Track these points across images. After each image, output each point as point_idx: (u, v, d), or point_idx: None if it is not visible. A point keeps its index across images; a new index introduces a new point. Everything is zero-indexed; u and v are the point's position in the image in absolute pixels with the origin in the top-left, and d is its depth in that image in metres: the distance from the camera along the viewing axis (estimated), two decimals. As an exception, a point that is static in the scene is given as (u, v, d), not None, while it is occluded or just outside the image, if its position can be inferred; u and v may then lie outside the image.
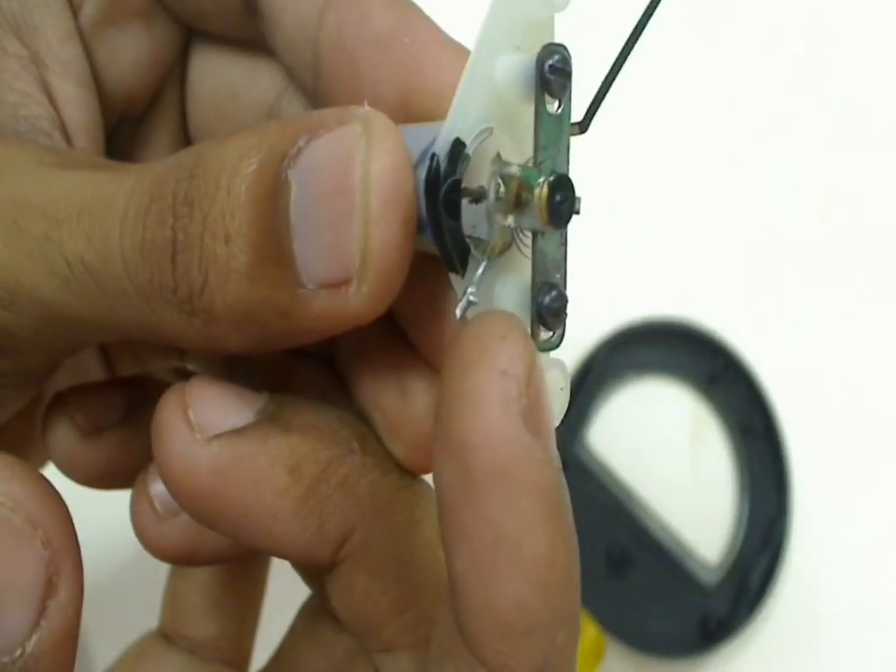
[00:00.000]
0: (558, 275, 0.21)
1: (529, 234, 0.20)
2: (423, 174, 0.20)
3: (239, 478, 0.21)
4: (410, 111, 0.23)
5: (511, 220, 0.20)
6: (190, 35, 0.29)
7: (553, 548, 0.18)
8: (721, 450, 0.54)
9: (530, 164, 0.20)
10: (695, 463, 0.54)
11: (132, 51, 0.27)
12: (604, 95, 0.20)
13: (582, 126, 0.20)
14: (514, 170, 0.19)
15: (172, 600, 0.34)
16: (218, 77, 0.29)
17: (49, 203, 0.21)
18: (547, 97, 0.19)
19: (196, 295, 0.20)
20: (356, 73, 0.24)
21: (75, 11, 0.26)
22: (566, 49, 0.19)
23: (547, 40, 0.20)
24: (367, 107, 0.20)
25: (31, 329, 0.22)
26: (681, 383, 0.55)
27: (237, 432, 0.21)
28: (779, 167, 0.58)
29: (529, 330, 0.21)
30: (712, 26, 0.59)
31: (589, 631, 0.50)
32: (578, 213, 0.20)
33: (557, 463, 0.18)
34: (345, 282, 0.19)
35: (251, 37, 0.27)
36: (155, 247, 0.20)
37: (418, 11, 0.24)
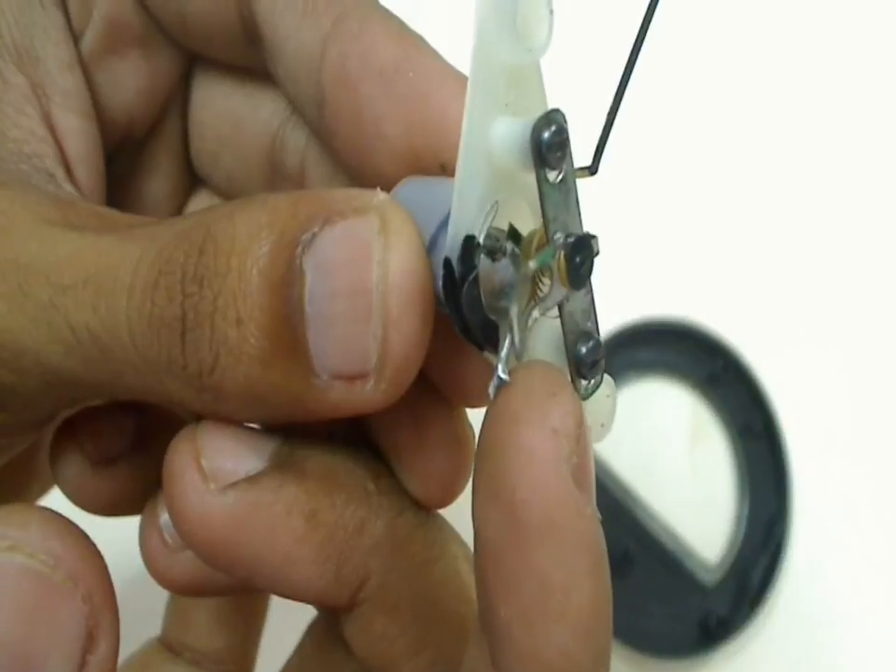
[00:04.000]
0: (590, 323, 0.21)
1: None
2: (439, 269, 0.20)
3: (255, 527, 0.21)
4: (415, 146, 0.23)
5: (536, 313, 0.20)
6: (193, 62, 0.29)
7: (597, 597, 0.18)
8: (720, 450, 0.54)
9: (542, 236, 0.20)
10: (695, 463, 0.54)
11: (132, 78, 0.27)
12: (608, 135, 0.20)
13: (592, 169, 0.20)
14: (532, 265, 0.19)
15: (176, 612, 0.34)
16: (221, 104, 0.29)
17: (54, 268, 0.21)
18: (547, 170, 0.19)
19: (206, 374, 0.19)
20: (359, 108, 0.23)
21: (75, 39, 0.26)
22: (559, 113, 0.19)
23: (535, 90, 0.20)
24: (381, 196, 0.19)
25: (35, 389, 0.22)
26: (681, 383, 0.55)
27: (252, 480, 0.21)
28: (779, 167, 0.58)
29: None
30: (709, 27, 0.59)
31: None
32: (598, 254, 0.20)
33: (598, 514, 0.19)
34: (362, 377, 0.19)
35: (254, 66, 0.27)
36: (163, 323, 0.19)
37: (423, 44, 0.24)
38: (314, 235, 0.19)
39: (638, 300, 0.55)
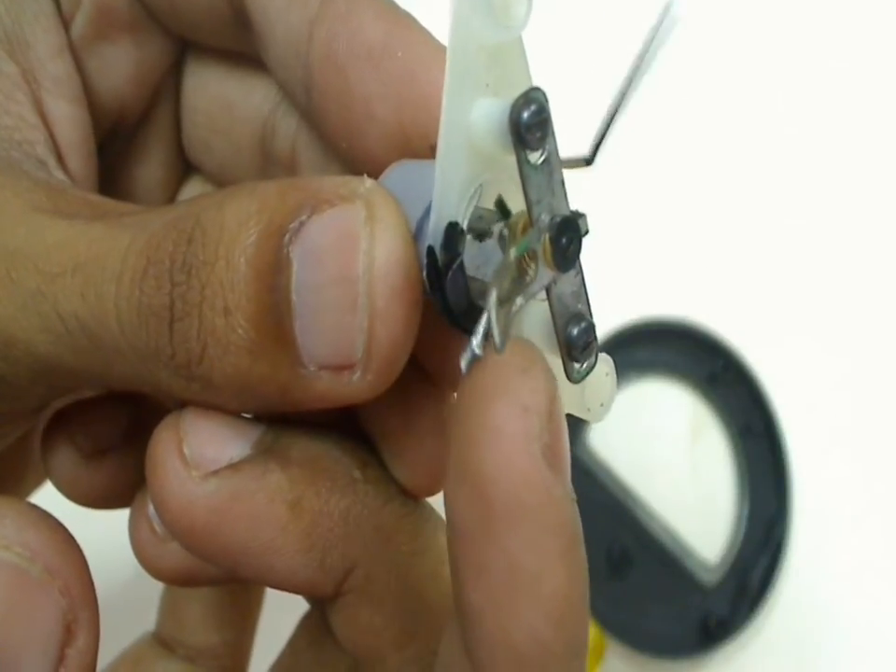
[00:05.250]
0: (580, 305, 0.20)
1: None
2: (423, 256, 0.19)
3: (238, 516, 0.20)
4: (404, 127, 0.23)
5: (521, 300, 0.19)
6: (184, 48, 0.28)
7: (570, 583, 0.17)
8: (720, 449, 0.54)
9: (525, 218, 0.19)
10: (695, 463, 0.54)
11: (123, 64, 0.27)
12: (608, 128, 0.20)
13: (589, 160, 0.20)
14: (513, 253, 0.18)
15: (170, 607, 0.34)
16: (212, 90, 0.29)
17: (43, 255, 0.20)
18: (528, 152, 0.18)
19: (194, 363, 0.19)
20: (347, 89, 0.23)
21: (65, 25, 0.26)
22: (539, 92, 0.18)
23: (518, 68, 0.19)
24: (368, 183, 0.19)
25: (26, 378, 0.22)
26: (681, 383, 0.55)
27: (234, 468, 0.21)
28: (778, 168, 0.58)
29: (562, 365, 0.20)
30: (711, 25, 0.59)
31: (589, 631, 0.50)
32: (587, 233, 0.20)
33: (573, 495, 0.18)
34: (348, 367, 0.19)
35: (245, 50, 0.26)
36: (152, 312, 0.19)
37: (413, 23, 0.23)
38: (301, 224, 0.19)
39: (638, 300, 0.55)
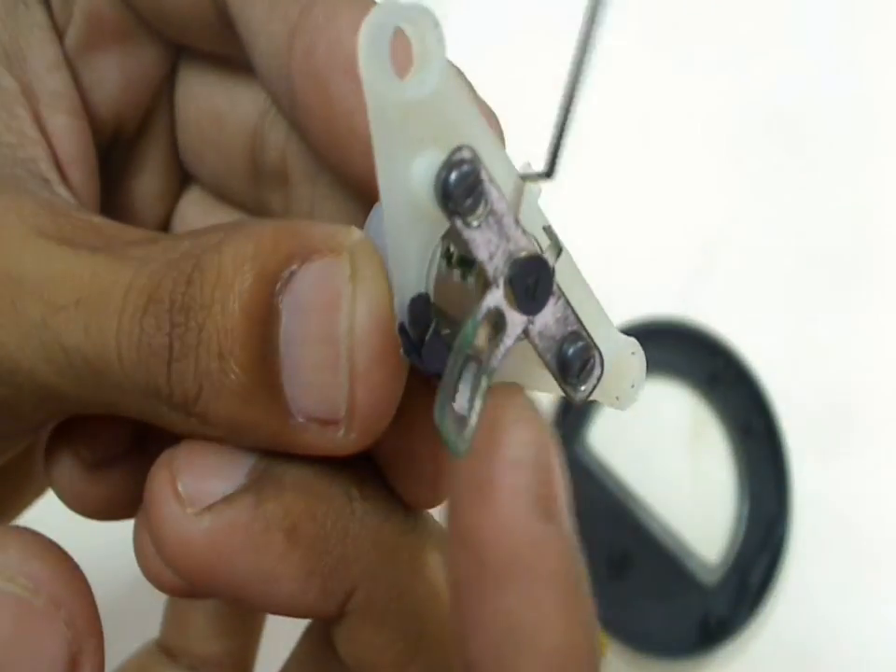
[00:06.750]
0: (569, 327, 0.19)
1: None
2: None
3: (235, 548, 0.20)
4: None
5: (497, 360, 0.18)
6: (179, 56, 0.28)
7: (572, 636, 0.17)
8: (720, 450, 0.54)
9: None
10: (695, 463, 0.54)
11: (117, 74, 0.27)
12: (561, 139, 0.18)
13: (549, 173, 0.19)
14: (479, 317, 0.18)
15: (174, 616, 0.33)
16: (202, 99, 0.28)
17: (48, 285, 0.20)
18: (466, 217, 0.17)
19: (191, 403, 0.19)
20: (329, 103, 0.23)
21: (59, 37, 0.25)
22: (462, 151, 0.17)
23: (453, 114, 0.18)
24: (355, 235, 0.19)
25: (28, 403, 0.22)
26: (681, 383, 0.55)
27: (228, 500, 0.20)
28: (778, 168, 0.58)
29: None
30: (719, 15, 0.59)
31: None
32: (561, 252, 0.19)
33: (573, 541, 0.18)
34: (334, 423, 0.19)
35: (237, 57, 0.26)
36: (151, 351, 0.19)
37: None
38: (291, 273, 0.19)
39: (638, 300, 0.55)
